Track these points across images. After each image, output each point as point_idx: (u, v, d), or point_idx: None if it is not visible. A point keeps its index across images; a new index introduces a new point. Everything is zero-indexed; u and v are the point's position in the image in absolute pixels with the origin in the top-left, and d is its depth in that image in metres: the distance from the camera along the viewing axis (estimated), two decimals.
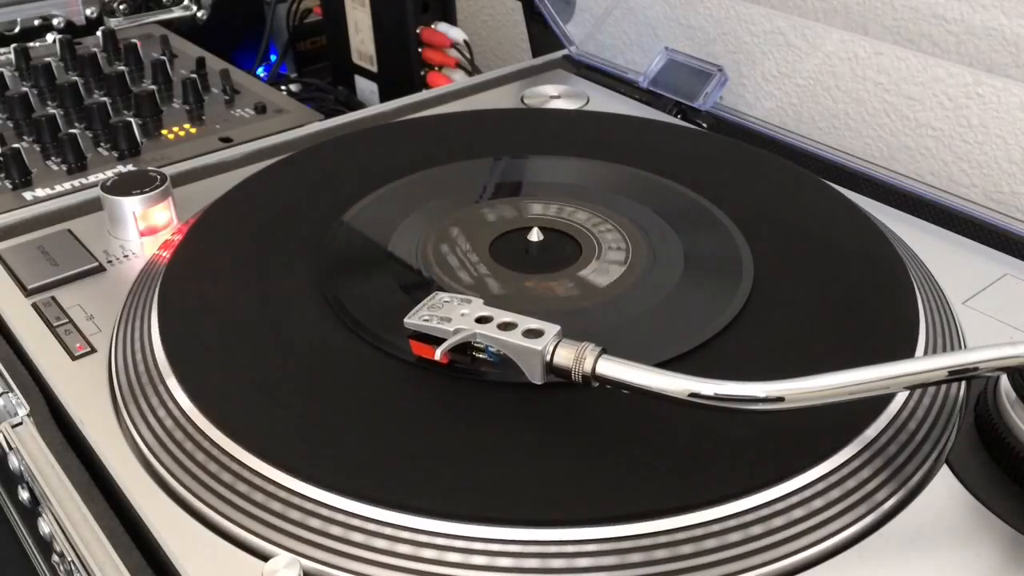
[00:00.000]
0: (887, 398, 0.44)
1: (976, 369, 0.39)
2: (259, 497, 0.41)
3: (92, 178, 0.74)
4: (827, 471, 0.41)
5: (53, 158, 0.77)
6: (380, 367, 0.47)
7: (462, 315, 0.45)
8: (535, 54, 0.95)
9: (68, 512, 0.43)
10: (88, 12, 1.04)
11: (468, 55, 0.96)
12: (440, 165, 0.66)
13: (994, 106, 0.70)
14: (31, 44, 0.98)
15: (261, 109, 0.85)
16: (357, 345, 0.49)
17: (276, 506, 0.40)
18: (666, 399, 0.40)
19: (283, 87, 1.02)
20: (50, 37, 1.00)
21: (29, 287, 0.57)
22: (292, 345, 0.49)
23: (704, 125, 0.79)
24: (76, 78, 0.89)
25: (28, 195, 0.72)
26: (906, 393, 0.45)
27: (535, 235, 0.57)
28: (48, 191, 0.72)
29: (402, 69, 0.98)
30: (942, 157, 0.75)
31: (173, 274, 0.55)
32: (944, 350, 0.49)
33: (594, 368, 0.41)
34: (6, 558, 0.57)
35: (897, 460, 0.42)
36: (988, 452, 0.43)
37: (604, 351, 0.42)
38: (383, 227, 0.59)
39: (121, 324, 0.53)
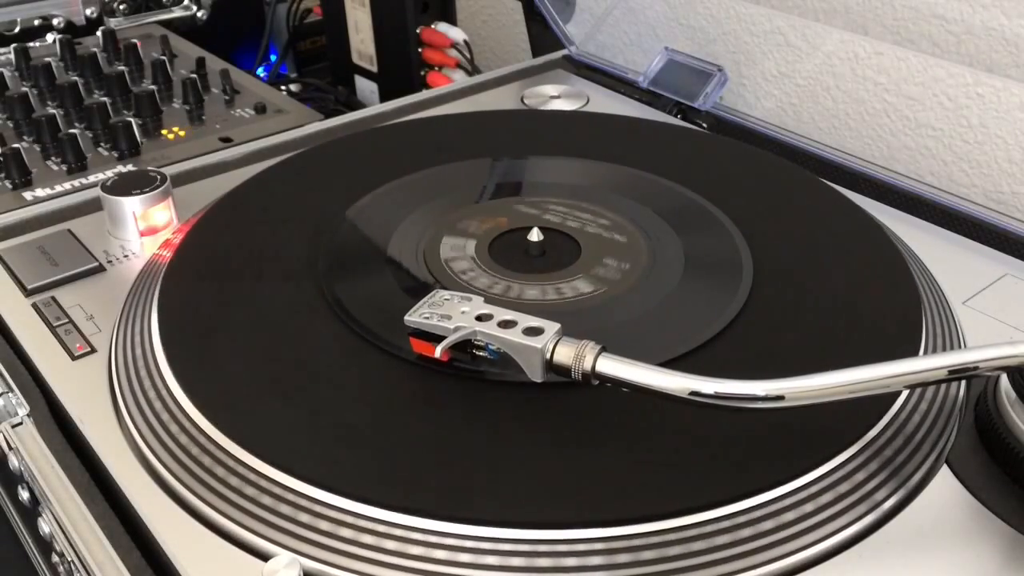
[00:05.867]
0: (887, 398, 0.44)
1: (976, 369, 0.39)
2: (259, 497, 0.41)
3: (92, 178, 0.74)
4: (827, 471, 0.41)
5: (53, 158, 0.77)
6: (380, 366, 0.47)
7: (462, 313, 0.45)
8: (535, 54, 0.95)
9: (68, 512, 0.43)
10: (88, 12, 1.04)
11: (468, 55, 0.96)
12: (440, 165, 0.66)
13: (994, 106, 0.70)
14: (31, 44, 0.98)
15: (261, 109, 0.85)
16: (357, 344, 0.49)
17: (276, 506, 0.40)
18: (666, 398, 0.40)
19: (283, 87, 1.02)
20: (50, 37, 1.00)
21: (29, 287, 0.57)
22: (292, 345, 0.49)
23: (704, 125, 0.79)
24: (76, 78, 0.89)
25: (28, 195, 0.72)
26: (906, 393, 0.45)
27: (535, 235, 0.57)
28: (48, 191, 0.72)
29: (402, 69, 0.98)
30: (942, 157, 0.75)
31: (173, 274, 0.55)
32: (944, 350, 0.49)
33: (594, 366, 0.41)
34: (6, 558, 0.56)
35: (897, 460, 0.42)
36: (988, 452, 0.43)
37: (604, 349, 0.42)
38: (383, 227, 0.59)
39: (121, 324, 0.53)
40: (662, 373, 0.40)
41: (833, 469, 0.41)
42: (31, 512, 0.49)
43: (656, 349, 0.47)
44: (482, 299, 0.46)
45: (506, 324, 0.44)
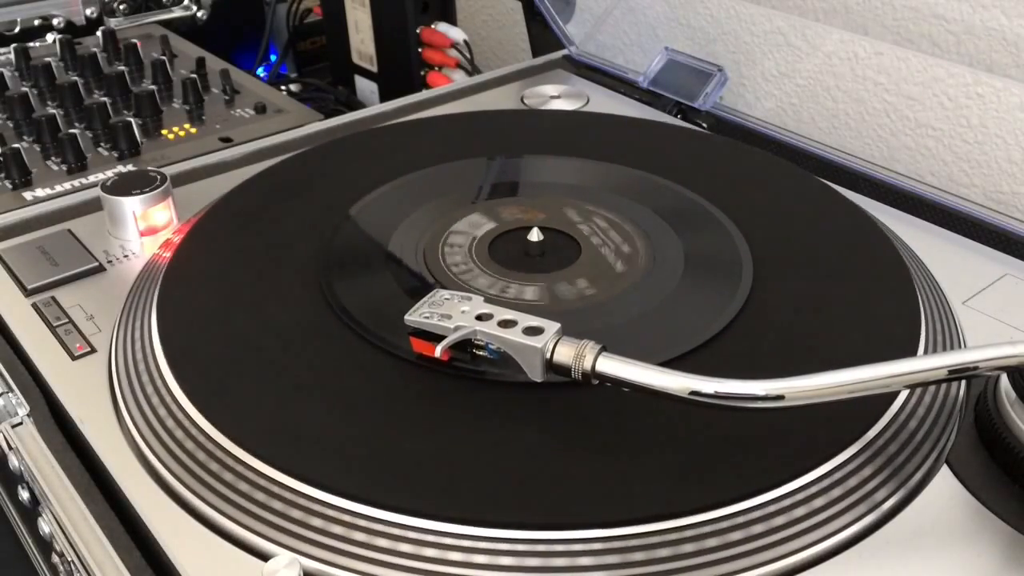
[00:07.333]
0: (887, 398, 0.44)
1: (976, 368, 0.39)
2: (259, 497, 0.41)
3: (92, 178, 0.74)
4: (827, 471, 0.41)
5: (53, 158, 0.77)
6: (380, 366, 0.47)
7: (462, 312, 0.45)
8: (535, 54, 0.95)
9: (68, 512, 0.43)
10: (88, 12, 1.04)
11: (468, 55, 0.96)
12: (440, 165, 0.66)
13: (994, 106, 0.70)
14: (31, 44, 0.98)
15: (261, 109, 0.85)
16: (357, 344, 0.49)
17: (276, 506, 0.40)
18: (666, 397, 0.40)
19: (283, 87, 1.02)
20: (50, 37, 1.00)
21: (29, 287, 0.57)
22: (292, 344, 0.49)
23: (704, 125, 0.79)
24: (76, 78, 0.89)
25: (28, 195, 0.72)
26: (906, 393, 0.45)
27: (535, 235, 0.57)
28: (48, 191, 0.72)
29: (402, 69, 0.98)
30: (942, 157, 0.75)
31: (173, 274, 0.55)
32: (944, 350, 0.49)
33: (594, 365, 0.41)
34: (6, 558, 0.56)
35: (897, 460, 0.42)
36: (988, 452, 0.43)
37: (604, 348, 0.42)
38: (383, 227, 0.59)
39: (121, 324, 0.53)
40: (662, 373, 0.40)
41: (833, 469, 0.41)
42: (31, 512, 0.49)
43: (656, 349, 0.47)
44: (482, 299, 0.46)
45: (506, 324, 0.44)
